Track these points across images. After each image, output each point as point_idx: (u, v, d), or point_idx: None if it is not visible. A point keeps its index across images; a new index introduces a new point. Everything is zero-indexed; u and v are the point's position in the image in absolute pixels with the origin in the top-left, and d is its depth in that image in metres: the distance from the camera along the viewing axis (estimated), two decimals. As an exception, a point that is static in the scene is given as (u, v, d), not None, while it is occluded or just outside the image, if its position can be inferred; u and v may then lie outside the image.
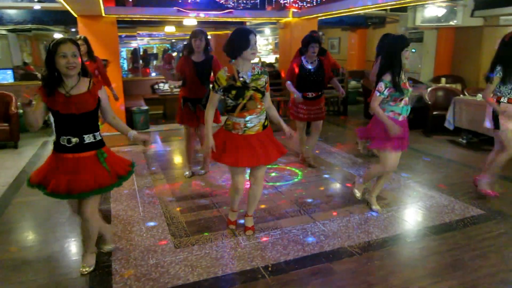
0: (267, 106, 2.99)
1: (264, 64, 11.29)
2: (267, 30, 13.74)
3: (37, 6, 6.58)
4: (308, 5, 6.48)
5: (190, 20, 8.74)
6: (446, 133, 6.37)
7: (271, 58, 13.87)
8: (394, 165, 3.42)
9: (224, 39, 3.10)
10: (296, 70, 4.50)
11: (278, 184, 4.42)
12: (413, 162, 5.15)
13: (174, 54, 14.91)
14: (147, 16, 7.12)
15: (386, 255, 2.93)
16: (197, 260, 2.89)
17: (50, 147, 6.24)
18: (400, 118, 3.31)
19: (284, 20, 8.18)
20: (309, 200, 3.97)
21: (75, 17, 6.54)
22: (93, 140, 2.51)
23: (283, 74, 8.68)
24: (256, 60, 11.78)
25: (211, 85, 3.09)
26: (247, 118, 2.85)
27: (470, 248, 3.01)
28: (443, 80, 8.59)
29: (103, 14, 6.46)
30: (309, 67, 4.50)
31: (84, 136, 2.46)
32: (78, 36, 5.03)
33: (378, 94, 3.22)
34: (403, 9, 8.72)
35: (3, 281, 2.69)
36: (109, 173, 2.51)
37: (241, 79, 2.81)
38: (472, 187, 4.12)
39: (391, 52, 3.18)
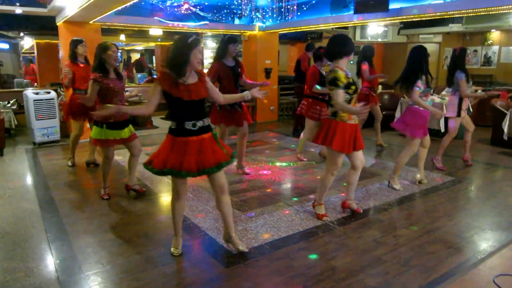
0: None
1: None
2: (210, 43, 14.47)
3: (18, 10, 6.46)
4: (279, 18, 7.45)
5: (156, 30, 9.17)
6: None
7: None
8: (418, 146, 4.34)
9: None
10: (318, 76, 5.26)
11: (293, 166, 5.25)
12: (376, 149, 6.39)
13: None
14: (129, 25, 7.41)
15: (409, 207, 3.97)
16: (275, 223, 3.58)
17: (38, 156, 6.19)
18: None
19: (249, 33, 9.05)
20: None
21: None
22: (208, 124, 2.84)
23: (249, 81, 9.48)
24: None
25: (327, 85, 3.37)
26: None
27: (460, 199, 4.21)
28: (380, 87, 10.26)
29: (91, 21, 6.64)
30: (324, 73, 5.33)
31: (203, 119, 2.79)
32: (78, 39, 5.15)
33: (417, 89, 4.08)
34: (345, 26, 10.23)
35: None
36: (224, 150, 2.84)
37: (349, 76, 3.35)
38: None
39: (419, 58, 4.14)
